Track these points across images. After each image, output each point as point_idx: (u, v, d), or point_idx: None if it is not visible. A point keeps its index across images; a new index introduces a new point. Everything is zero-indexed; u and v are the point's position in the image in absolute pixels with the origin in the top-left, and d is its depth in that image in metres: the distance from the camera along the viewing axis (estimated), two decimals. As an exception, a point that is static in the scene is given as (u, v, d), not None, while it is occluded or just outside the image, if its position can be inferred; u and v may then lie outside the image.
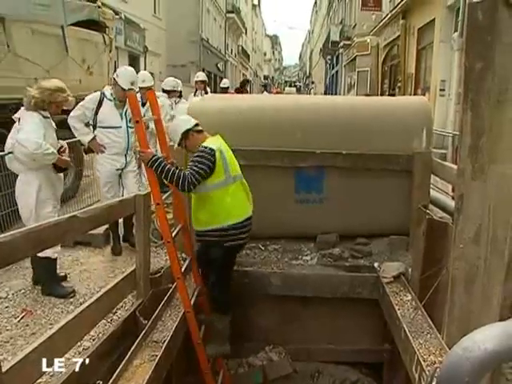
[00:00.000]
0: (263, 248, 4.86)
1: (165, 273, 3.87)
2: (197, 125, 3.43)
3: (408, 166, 4.60)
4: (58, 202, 3.96)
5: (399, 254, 4.65)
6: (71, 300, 3.80)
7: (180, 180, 3.14)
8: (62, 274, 4.13)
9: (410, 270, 4.04)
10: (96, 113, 4.50)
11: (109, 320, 3.41)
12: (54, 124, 3.89)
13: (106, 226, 5.04)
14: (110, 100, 4.49)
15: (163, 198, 3.26)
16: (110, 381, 2.54)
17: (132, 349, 2.85)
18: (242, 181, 3.54)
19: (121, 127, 4.52)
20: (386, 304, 3.89)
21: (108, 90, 4.56)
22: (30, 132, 3.53)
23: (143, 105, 5.05)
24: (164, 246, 4.03)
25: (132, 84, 4.49)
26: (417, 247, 3.74)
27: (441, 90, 12.05)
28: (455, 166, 3.40)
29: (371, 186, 4.75)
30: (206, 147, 3.27)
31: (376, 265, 4.36)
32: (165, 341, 3.03)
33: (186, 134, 3.38)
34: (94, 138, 4.54)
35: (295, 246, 4.95)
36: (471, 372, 1.77)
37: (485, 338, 1.78)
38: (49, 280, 3.89)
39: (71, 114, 4.48)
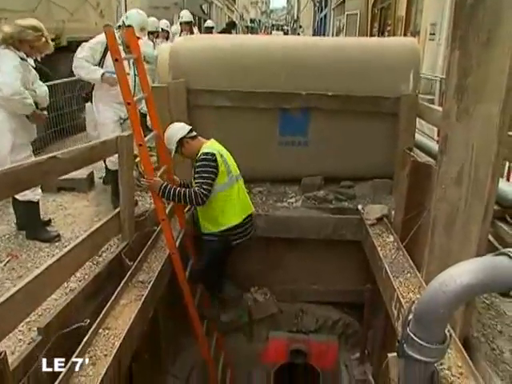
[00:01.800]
0: (248, 191, 4.81)
1: (149, 216, 3.87)
2: (191, 131, 3.46)
3: (394, 109, 4.56)
4: (30, 149, 3.85)
5: (383, 196, 4.71)
6: (56, 244, 3.80)
7: (193, 198, 3.23)
8: (46, 219, 4.11)
9: (393, 212, 4.11)
10: (104, 56, 4.21)
11: (94, 262, 3.44)
12: (31, 68, 3.73)
13: (90, 171, 5.01)
14: (119, 45, 4.19)
15: (145, 139, 3.18)
16: (98, 319, 2.59)
17: (118, 289, 2.89)
18: (241, 179, 3.65)
19: (128, 74, 4.25)
20: (369, 245, 3.98)
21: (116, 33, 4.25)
22: (7, 74, 3.37)
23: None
24: (148, 190, 4.02)
25: (142, 30, 4.29)
26: (400, 189, 3.77)
27: (431, 34, 11.77)
28: (441, 109, 3.38)
29: (356, 129, 4.73)
30: (206, 153, 3.29)
31: (360, 207, 4.42)
32: (150, 281, 3.07)
33: (180, 142, 3.40)
34: (104, 74, 4.17)
35: (280, 189, 4.99)
36: (446, 304, 1.83)
37: (461, 273, 1.83)
38: (33, 224, 3.88)
39: (77, 55, 4.17)
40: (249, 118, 4.54)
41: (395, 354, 2.14)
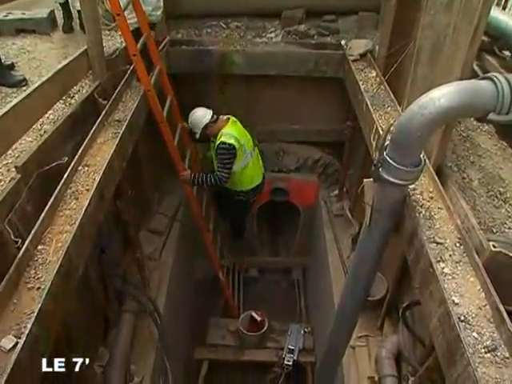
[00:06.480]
0: (225, 26, 4.60)
1: (120, 54, 3.63)
2: (212, 116, 4.06)
3: None
4: None
5: (367, 31, 4.47)
6: (24, 89, 3.58)
7: (218, 182, 4.03)
8: (9, 63, 3.83)
9: (377, 47, 3.93)
10: None
11: (67, 104, 3.29)
12: None
13: (50, 9, 4.56)
14: None
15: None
16: (76, 157, 2.57)
17: (94, 128, 2.81)
18: (255, 151, 4.36)
19: None
20: (351, 80, 3.89)
21: None
22: None
23: None
24: (117, 29, 3.71)
25: None
26: (386, 22, 3.55)
27: None
28: None
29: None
30: (225, 143, 3.93)
31: (343, 42, 4.22)
32: (126, 119, 3.00)
33: (205, 127, 4.05)
34: None
35: (259, 24, 4.71)
36: (424, 126, 1.81)
37: (441, 95, 1.79)
38: (-6, 68, 3.62)
39: None
40: None
41: (371, 179, 2.21)
